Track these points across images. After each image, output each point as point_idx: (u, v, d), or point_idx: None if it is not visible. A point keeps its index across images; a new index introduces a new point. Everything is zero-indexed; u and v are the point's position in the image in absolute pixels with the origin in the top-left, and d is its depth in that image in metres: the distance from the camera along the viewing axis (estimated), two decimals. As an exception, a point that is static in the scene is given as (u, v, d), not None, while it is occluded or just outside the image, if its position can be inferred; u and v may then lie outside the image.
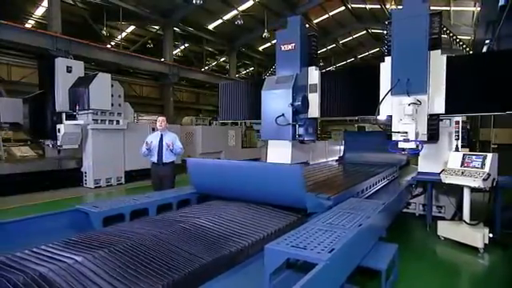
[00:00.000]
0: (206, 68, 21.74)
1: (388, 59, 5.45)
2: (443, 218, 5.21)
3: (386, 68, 5.47)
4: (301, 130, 6.03)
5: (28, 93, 14.30)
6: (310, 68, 6.45)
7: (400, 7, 5.47)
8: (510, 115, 4.97)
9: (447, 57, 5.12)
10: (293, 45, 6.22)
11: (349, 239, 2.18)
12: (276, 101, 6.01)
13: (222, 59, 23.74)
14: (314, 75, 6.44)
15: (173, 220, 2.91)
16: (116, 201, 3.44)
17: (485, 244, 4.04)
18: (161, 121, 5.36)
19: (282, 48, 6.33)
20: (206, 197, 4.07)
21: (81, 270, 1.81)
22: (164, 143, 5.23)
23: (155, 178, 5.34)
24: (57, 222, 3.16)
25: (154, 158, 5.28)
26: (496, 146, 8.83)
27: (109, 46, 16.00)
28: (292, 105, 5.80)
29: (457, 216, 5.28)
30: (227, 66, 24.74)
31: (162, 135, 5.32)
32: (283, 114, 5.89)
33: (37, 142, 11.67)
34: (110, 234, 2.43)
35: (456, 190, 5.24)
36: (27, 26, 15.32)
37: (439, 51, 5.13)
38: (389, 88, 5.21)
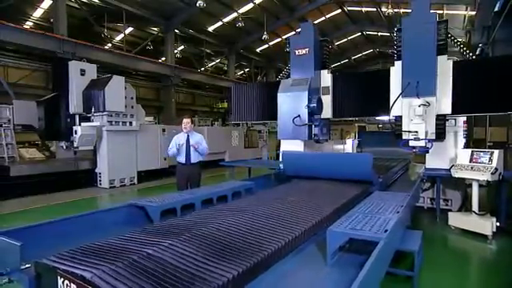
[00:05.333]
0: (202, 69, 21.98)
1: (397, 63, 5.86)
2: (450, 211, 5.63)
3: (396, 72, 5.87)
4: (316, 130, 6.39)
5: (26, 94, 14.29)
6: (322, 71, 6.83)
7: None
8: (506, 115, 5.47)
9: (453, 61, 5.58)
10: (307, 49, 6.58)
11: (394, 222, 2.55)
12: (292, 102, 6.33)
13: (217, 60, 23.99)
14: (326, 78, 6.83)
15: (249, 203, 3.38)
16: (164, 196, 3.73)
17: (493, 232, 4.48)
18: (185, 123, 5.53)
19: (297, 52, 6.68)
20: (237, 193, 4.43)
21: (178, 251, 2.11)
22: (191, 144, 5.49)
23: (182, 178, 5.53)
24: (112, 217, 3.42)
25: (182, 159, 5.48)
26: (492, 144, 9.39)
27: (106, 47, 16.16)
28: (308, 106, 6.15)
29: (463, 208, 5.73)
30: (224, 67, 25.05)
31: (188, 136, 5.54)
32: (299, 115, 6.24)
33: (44, 144, 11.81)
34: (180, 224, 2.74)
35: (462, 185, 5.71)
36: (25, 27, 15.31)
37: (446, 56, 5.57)
38: (399, 90, 5.61)
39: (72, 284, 1.77)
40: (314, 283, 2.17)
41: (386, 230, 2.32)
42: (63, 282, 1.82)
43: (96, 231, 3.00)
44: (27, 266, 2.15)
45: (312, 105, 6.18)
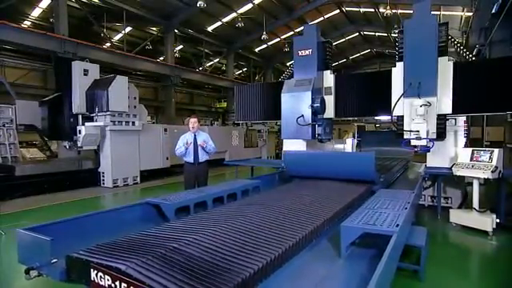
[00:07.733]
0: (200, 69, 22.02)
1: (399, 64, 5.99)
2: (450, 208, 5.78)
3: (397, 72, 6.00)
4: (319, 130, 6.50)
5: (25, 94, 14.16)
6: (325, 72, 6.95)
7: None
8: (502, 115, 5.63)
9: (454, 62, 5.72)
10: (309, 50, 6.69)
11: (404, 217, 2.67)
12: (295, 102, 6.43)
13: (216, 60, 24.05)
14: (329, 78, 6.95)
15: (267, 200, 3.52)
16: (178, 195, 3.82)
17: (493, 228, 4.63)
18: (193, 122, 5.64)
19: (300, 53, 6.79)
20: (246, 191, 4.54)
21: (203, 245, 2.20)
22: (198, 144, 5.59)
23: (190, 177, 5.65)
24: (128, 214, 3.51)
25: (190, 158, 5.60)
26: (489, 144, 9.57)
27: (105, 46, 16.17)
28: (312, 106, 6.26)
29: (463, 206, 5.88)
30: (222, 67, 25.11)
31: (195, 135, 5.65)
32: (303, 115, 6.34)
33: (45, 144, 11.83)
34: (198, 220, 2.84)
35: (461, 183, 5.86)
36: (26, 27, 15.25)
37: (446, 57, 5.71)
38: (401, 90, 5.74)
39: (106, 276, 1.86)
40: (332, 274, 2.29)
41: (397, 225, 2.44)
42: (97, 275, 1.92)
43: (113, 228, 3.10)
44: (54, 260, 2.24)
45: (315, 105, 6.28)
